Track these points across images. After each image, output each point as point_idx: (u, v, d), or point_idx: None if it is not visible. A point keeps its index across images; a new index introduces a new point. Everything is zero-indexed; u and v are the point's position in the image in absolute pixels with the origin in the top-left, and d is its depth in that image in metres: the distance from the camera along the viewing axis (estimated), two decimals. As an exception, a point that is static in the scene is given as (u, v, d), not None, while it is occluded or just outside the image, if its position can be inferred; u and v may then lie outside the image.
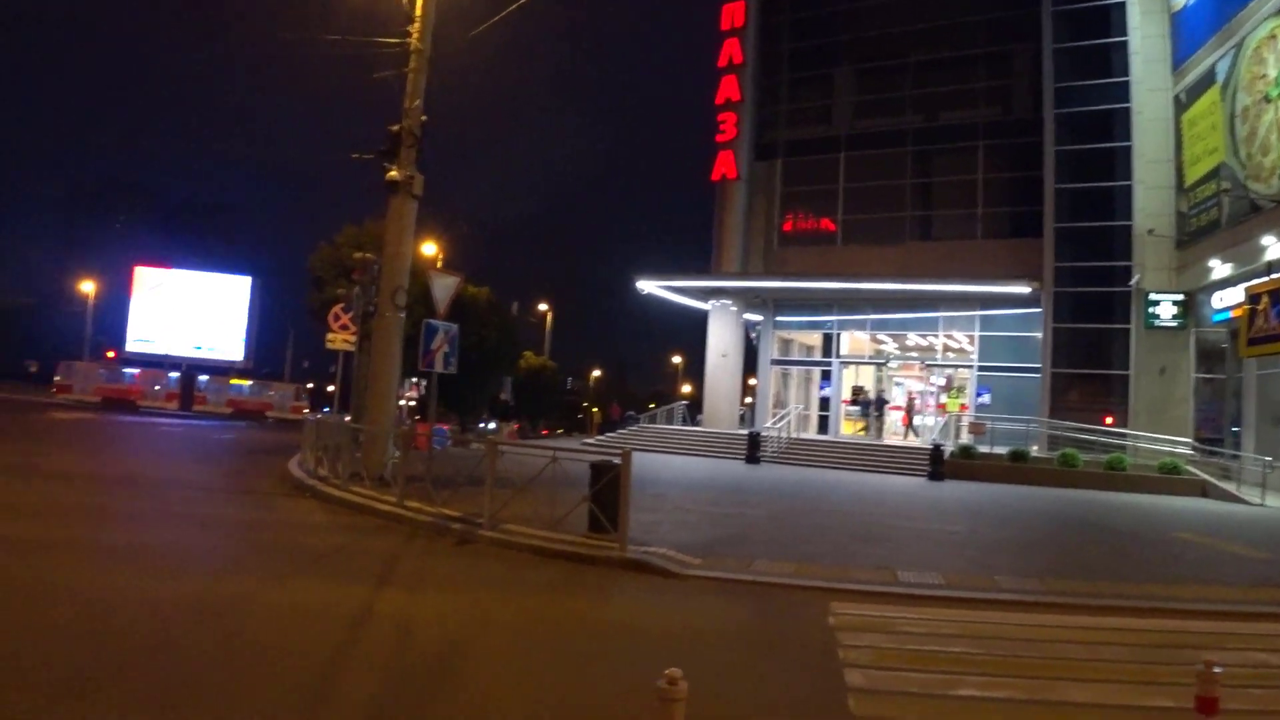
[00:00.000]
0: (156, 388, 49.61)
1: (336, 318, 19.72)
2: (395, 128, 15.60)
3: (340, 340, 19.59)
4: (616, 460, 9.93)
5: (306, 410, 45.15)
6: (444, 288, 14.89)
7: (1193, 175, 26.47)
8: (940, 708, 5.35)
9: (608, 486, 9.97)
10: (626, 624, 7.55)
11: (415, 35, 15.58)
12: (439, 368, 14.00)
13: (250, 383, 53.83)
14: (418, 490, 12.35)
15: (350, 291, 17.90)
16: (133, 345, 64.28)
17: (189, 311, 64.23)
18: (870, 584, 8.88)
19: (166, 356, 59.47)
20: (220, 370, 60.76)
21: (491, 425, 44.74)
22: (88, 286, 64.97)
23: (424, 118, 15.84)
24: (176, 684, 5.03)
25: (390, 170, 15.81)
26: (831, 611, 7.65)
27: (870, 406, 33.19)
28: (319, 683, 5.26)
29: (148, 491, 13.74)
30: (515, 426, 37.25)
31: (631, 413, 42.30)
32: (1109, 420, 27.94)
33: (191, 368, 59.33)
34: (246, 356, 67.69)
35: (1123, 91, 29.03)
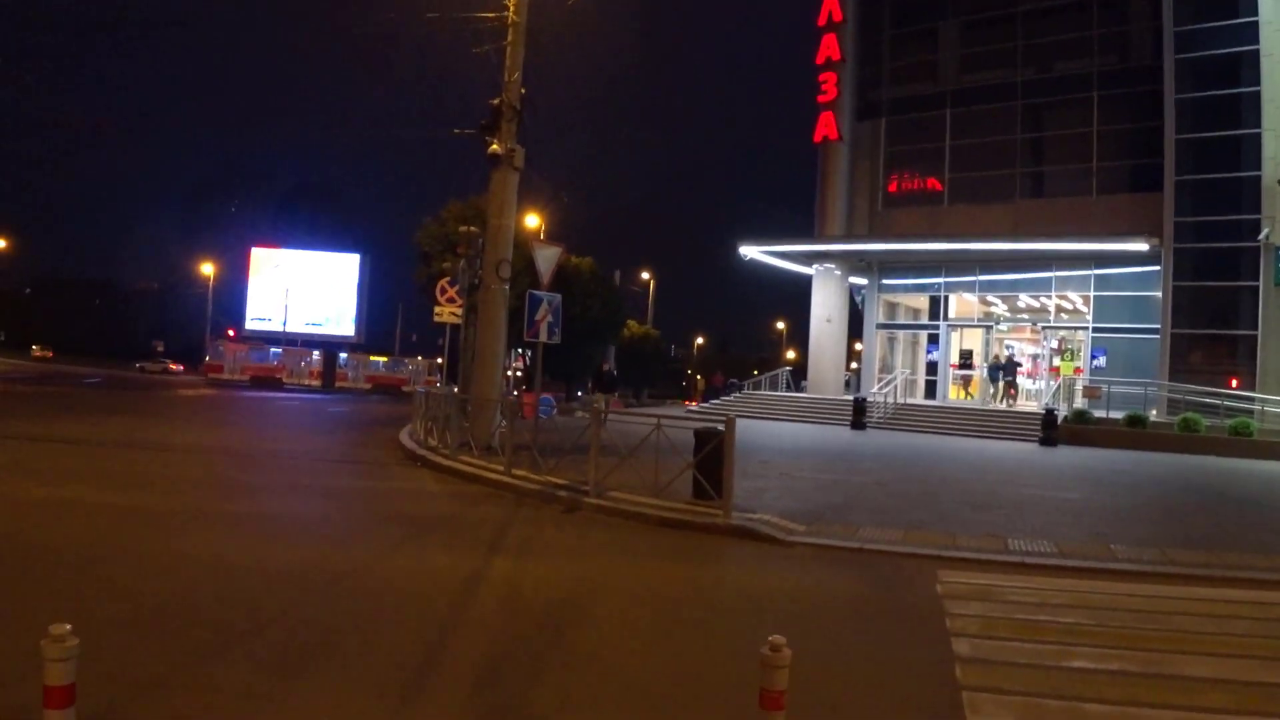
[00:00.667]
0: (302, 364, 51.55)
1: (443, 291, 20.17)
2: (495, 101, 15.83)
3: (447, 313, 20.04)
4: (720, 427, 9.97)
5: (438, 383, 46.36)
6: (547, 259, 15.09)
7: (1328, 120, 24.92)
8: (1050, 679, 5.26)
9: (712, 454, 10.02)
10: (733, 590, 7.62)
11: (513, 8, 15.73)
12: (543, 338, 14.21)
13: (386, 359, 55.43)
14: (524, 459, 12.64)
15: (456, 265, 18.29)
16: (251, 324, 67.11)
17: (303, 289, 66.57)
18: (979, 552, 8.74)
19: (283, 333, 61.76)
20: (333, 345, 62.86)
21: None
22: (208, 269, 67.81)
23: (523, 90, 16.02)
24: (302, 646, 5.29)
25: (491, 144, 16.07)
26: (939, 579, 7.57)
27: (1001, 371, 32.14)
28: (435, 645, 5.46)
29: (269, 463, 14.40)
30: (615, 399, 37.53)
31: (734, 380, 42.18)
32: (1234, 383, 26.70)
33: (306, 343, 61.51)
34: (358, 332, 69.96)
35: (1250, 33, 27.39)
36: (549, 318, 14.05)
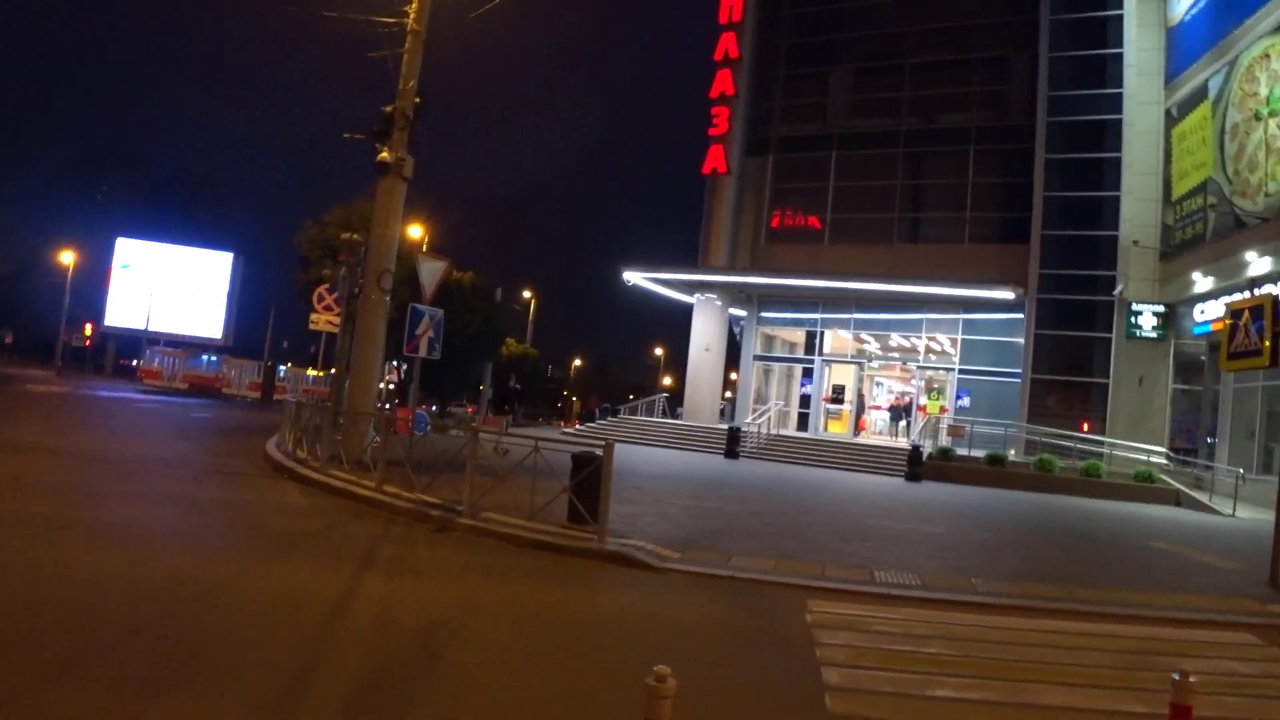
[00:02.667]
0: (239, 374, 48.73)
1: (321, 298, 19.62)
2: (389, 108, 15.52)
3: (324, 321, 19.51)
4: (598, 451, 9.93)
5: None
6: (431, 272, 14.83)
7: (1180, 189, 26.69)
8: (916, 707, 5.39)
9: (589, 478, 9.97)
10: (606, 615, 7.57)
11: (413, 16, 15.50)
12: (423, 353, 13.94)
13: (322, 373, 52.60)
14: (397, 475, 12.32)
15: (336, 272, 17.80)
16: (111, 319, 63.74)
17: (170, 286, 63.70)
18: (848, 583, 8.93)
19: (145, 332, 58.99)
20: (199, 348, 60.35)
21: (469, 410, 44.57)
22: (67, 257, 63.94)
23: (418, 99, 15.76)
24: (162, 663, 5.01)
25: (381, 151, 15.73)
26: (809, 609, 7.69)
27: (903, 412, 34.00)
28: (305, 664, 5.26)
29: (134, 470, 13.63)
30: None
31: (607, 405, 42.24)
32: (1085, 427, 28.19)
33: (169, 344, 58.88)
34: (225, 334, 67.29)
35: (1115, 103, 29.27)
36: (430, 333, 13.78)
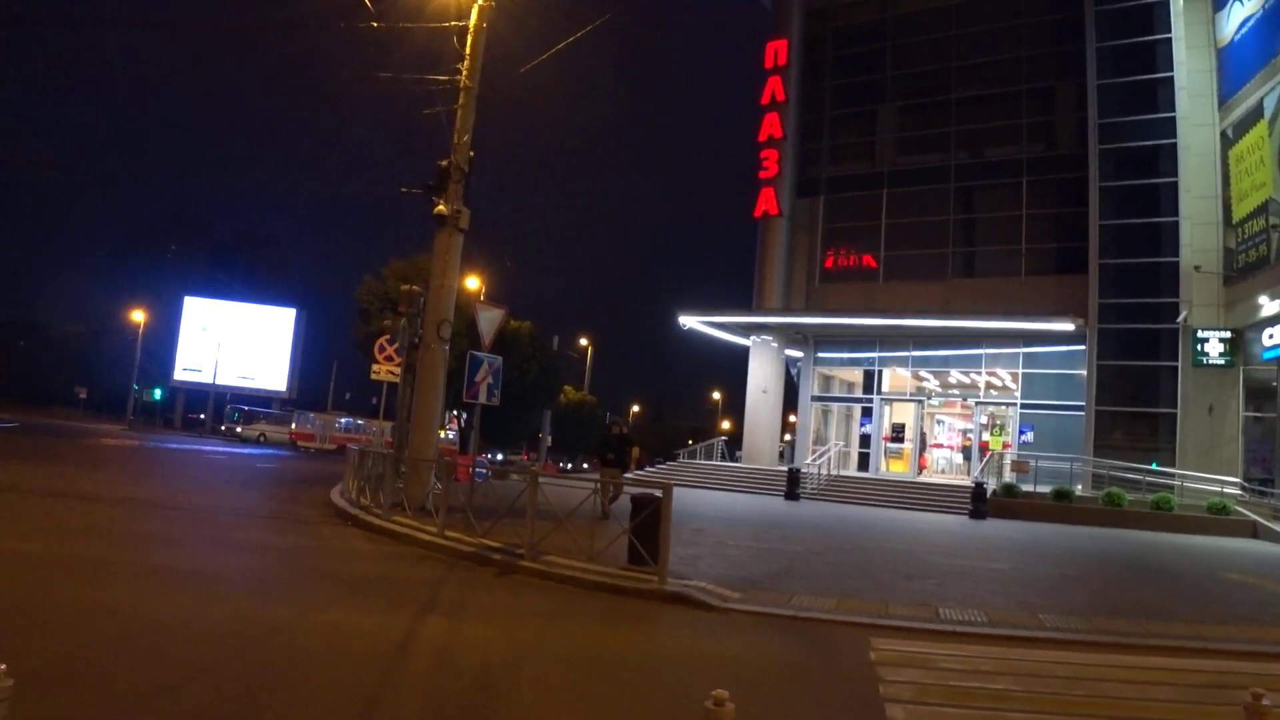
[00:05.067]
0: (379, 432, 50.14)
1: (382, 349, 20.05)
2: (444, 163, 15.93)
3: (385, 371, 19.90)
4: (657, 494, 10.00)
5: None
6: (489, 320, 15.13)
7: (1240, 211, 26.20)
8: (982, 743, 5.34)
9: (648, 519, 10.03)
10: (666, 655, 7.58)
11: (465, 72, 15.95)
12: (483, 399, 14.18)
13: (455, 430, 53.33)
14: (459, 521, 12.50)
15: (396, 323, 18.20)
16: (180, 374, 65.49)
17: (235, 341, 65.36)
18: (912, 620, 8.84)
19: (213, 386, 60.49)
20: (264, 400, 61.64)
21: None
22: (139, 315, 66.01)
23: (471, 153, 16.16)
24: (226, 702, 5.16)
25: (438, 204, 16.12)
26: (872, 647, 7.64)
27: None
28: (369, 703, 5.36)
29: (198, 518, 14.00)
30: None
31: (659, 459, 41.95)
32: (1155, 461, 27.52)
33: (235, 398, 60.19)
34: (290, 387, 68.71)
35: (1168, 127, 28.92)
36: (489, 379, 14.03)
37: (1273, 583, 13.26)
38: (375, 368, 20.05)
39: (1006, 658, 7.57)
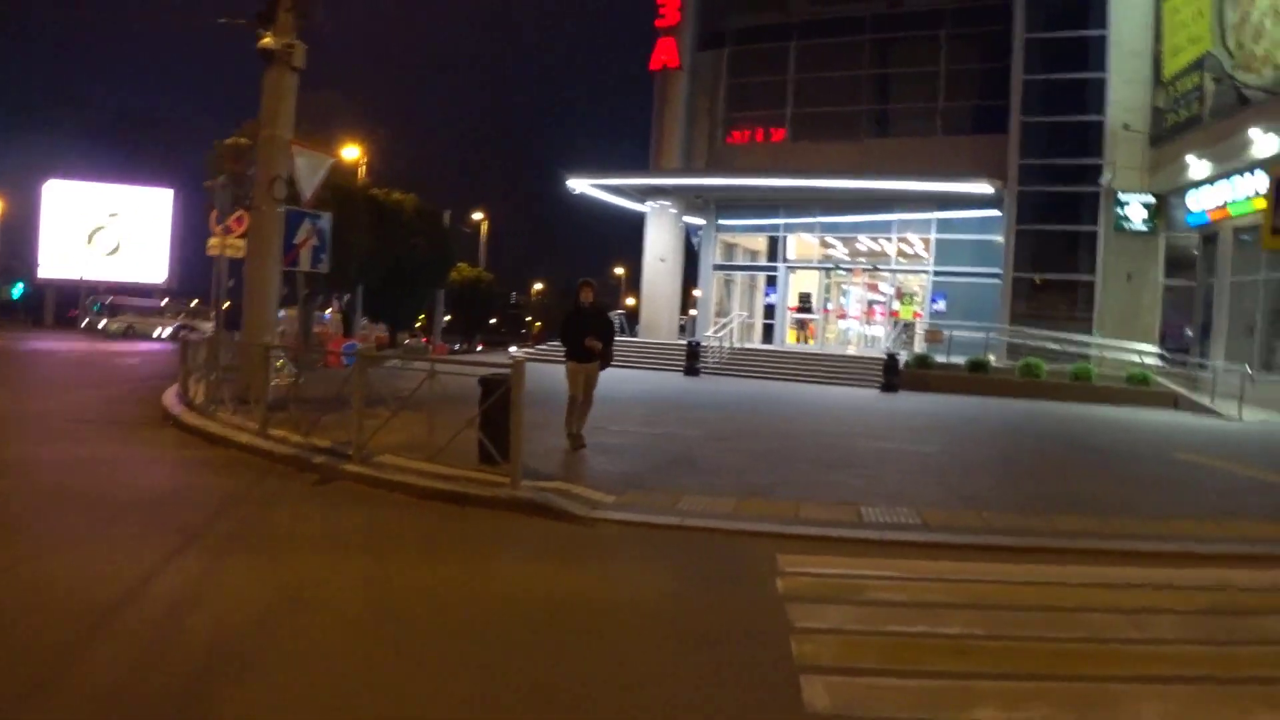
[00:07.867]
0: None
1: (220, 219, 16.76)
2: (275, -14, 12.86)
3: (223, 246, 16.66)
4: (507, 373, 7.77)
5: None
6: (310, 167, 12.26)
7: (1173, 67, 24.50)
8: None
9: (497, 405, 7.83)
10: (500, 603, 5.32)
11: None
12: (305, 266, 11.55)
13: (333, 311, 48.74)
14: (296, 417, 10.09)
15: (215, 183, 15.09)
16: (45, 270, 59.97)
17: (108, 229, 60.21)
18: (829, 526, 6.95)
19: (82, 280, 55.84)
20: (144, 293, 57.38)
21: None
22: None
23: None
24: None
25: (264, 36, 13.15)
26: (780, 570, 5.72)
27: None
28: (57, 670, 3.82)
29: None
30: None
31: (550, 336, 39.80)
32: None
33: (111, 291, 55.73)
34: (169, 277, 63.84)
35: (1100, -26, 26.74)
36: (314, 241, 11.37)
37: (1226, 462, 11.77)
38: (211, 242, 16.71)
39: (955, 578, 5.77)
